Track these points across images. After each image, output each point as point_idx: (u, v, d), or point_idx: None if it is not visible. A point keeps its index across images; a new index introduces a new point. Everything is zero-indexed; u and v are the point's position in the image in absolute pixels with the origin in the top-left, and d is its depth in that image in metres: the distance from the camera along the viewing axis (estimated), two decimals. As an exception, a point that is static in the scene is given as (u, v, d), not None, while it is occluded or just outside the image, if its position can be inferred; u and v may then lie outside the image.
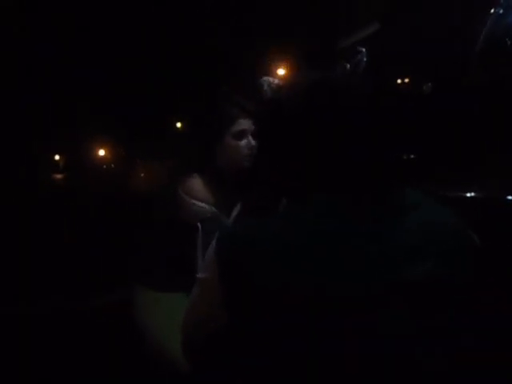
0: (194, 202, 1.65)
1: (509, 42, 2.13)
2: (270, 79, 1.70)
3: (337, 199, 0.85)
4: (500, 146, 1.92)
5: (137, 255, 1.90)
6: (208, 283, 0.88)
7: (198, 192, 1.66)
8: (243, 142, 1.67)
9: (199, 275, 0.91)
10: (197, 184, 1.68)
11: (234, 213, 1.68)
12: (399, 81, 2.68)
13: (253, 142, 1.66)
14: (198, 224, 1.62)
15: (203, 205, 1.65)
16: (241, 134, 1.67)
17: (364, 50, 2.46)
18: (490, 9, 2.23)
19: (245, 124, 1.67)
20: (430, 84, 2.34)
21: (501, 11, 2.21)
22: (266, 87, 1.68)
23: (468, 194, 1.82)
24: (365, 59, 2.41)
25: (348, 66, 2.42)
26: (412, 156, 2.14)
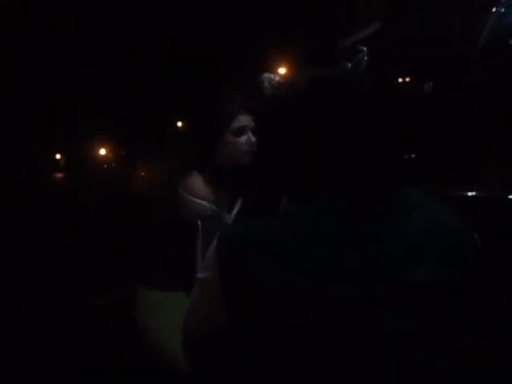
0: (194, 199, 1.65)
1: (510, 42, 2.13)
2: (271, 76, 1.70)
3: (337, 199, 0.85)
4: (500, 145, 1.92)
5: (137, 255, 1.90)
6: (208, 283, 0.88)
7: (198, 190, 1.66)
8: (243, 139, 1.67)
9: (199, 275, 0.90)
10: (197, 182, 1.67)
11: (235, 211, 1.68)
12: (400, 80, 2.68)
13: (253, 139, 1.66)
14: (198, 222, 1.62)
15: (203, 203, 1.65)
16: (240, 131, 1.67)
17: (365, 49, 2.46)
18: (491, 8, 2.23)
19: (244, 120, 1.68)
20: (431, 83, 2.34)
21: (502, 10, 2.21)
22: (266, 84, 1.68)
23: (468, 194, 1.82)
24: (366, 58, 2.41)
25: (349, 65, 2.42)
26: (412, 156, 2.14)
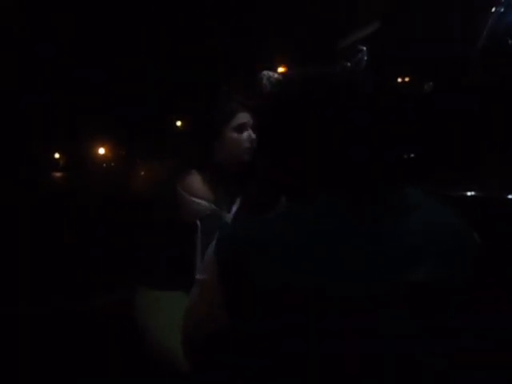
0: (193, 199, 1.65)
1: (510, 42, 2.13)
2: (270, 73, 1.70)
3: (337, 199, 0.85)
4: (500, 145, 1.92)
5: (137, 255, 1.90)
6: (208, 284, 0.88)
7: (197, 190, 1.66)
8: (244, 135, 1.67)
9: (199, 276, 0.90)
10: (196, 181, 1.67)
11: (234, 210, 1.68)
12: (400, 80, 2.68)
13: (253, 136, 1.66)
14: (198, 222, 1.62)
15: (203, 202, 1.65)
16: (241, 128, 1.68)
17: (365, 48, 2.46)
18: (491, 8, 2.23)
19: (244, 117, 1.68)
20: (431, 83, 2.34)
21: (502, 10, 2.21)
22: (265, 81, 1.68)
23: (468, 194, 1.82)
24: (365, 58, 2.41)
25: (348, 64, 2.42)
26: (412, 156, 2.14)
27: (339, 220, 0.83)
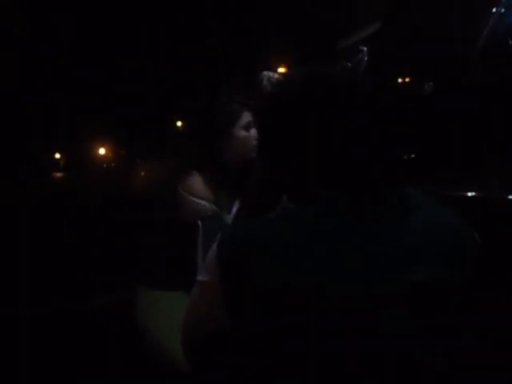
0: (194, 200, 1.65)
1: (510, 42, 2.13)
2: (270, 73, 1.70)
3: (337, 199, 0.85)
4: (500, 145, 1.92)
5: (137, 255, 1.90)
6: (209, 284, 0.88)
7: (198, 190, 1.66)
8: (252, 133, 1.69)
9: (200, 277, 0.90)
10: (197, 182, 1.68)
11: (234, 210, 1.68)
12: (400, 80, 2.68)
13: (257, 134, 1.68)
14: (199, 222, 1.62)
15: (204, 203, 1.65)
16: (248, 126, 1.70)
17: (365, 49, 2.46)
18: (491, 8, 2.23)
19: (249, 116, 1.71)
20: (431, 83, 2.34)
21: (502, 10, 2.21)
22: (265, 81, 1.69)
23: (468, 194, 1.82)
24: (366, 58, 2.41)
25: (349, 64, 2.42)
26: (412, 156, 2.14)
27: (339, 220, 0.83)
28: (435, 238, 0.85)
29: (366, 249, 0.81)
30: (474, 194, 1.81)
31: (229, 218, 1.67)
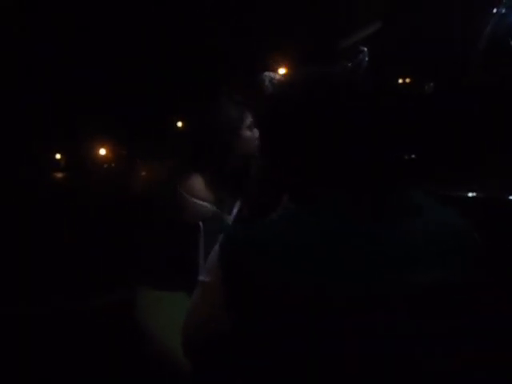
0: (195, 201, 1.65)
1: (511, 42, 2.13)
2: (272, 74, 1.71)
3: (337, 199, 0.85)
4: (500, 145, 1.92)
5: (137, 255, 1.90)
6: (211, 285, 0.88)
7: (199, 191, 1.67)
8: (255, 132, 1.70)
9: (202, 278, 0.90)
10: (197, 183, 1.68)
11: (235, 211, 1.68)
12: (400, 80, 2.68)
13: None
14: (200, 223, 1.62)
15: (205, 204, 1.65)
16: (251, 125, 1.71)
17: (366, 49, 2.46)
18: (491, 9, 2.23)
19: (250, 115, 1.71)
20: (431, 84, 2.34)
21: (503, 11, 2.21)
22: (267, 82, 1.69)
23: (468, 194, 1.82)
24: (367, 58, 2.41)
25: (350, 64, 2.42)
26: (412, 156, 2.14)
27: (339, 220, 0.83)
28: (435, 238, 0.85)
29: (365, 249, 0.81)
30: (474, 194, 1.81)
31: (230, 219, 1.67)
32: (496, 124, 1.98)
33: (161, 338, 1.63)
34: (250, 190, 1.56)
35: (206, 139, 1.72)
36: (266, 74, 1.71)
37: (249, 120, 1.72)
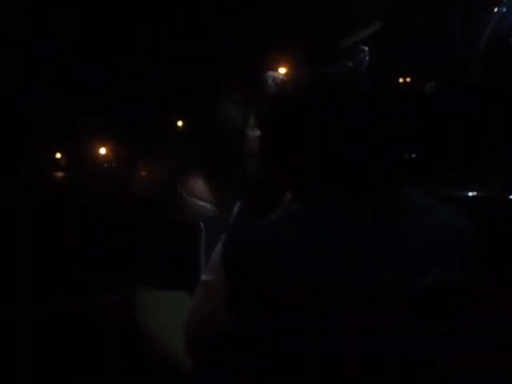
0: (196, 202, 1.65)
1: (512, 41, 2.13)
2: (275, 74, 1.70)
3: (337, 199, 0.85)
4: (500, 145, 1.92)
5: (137, 255, 1.90)
6: (213, 284, 0.88)
7: (199, 192, 1.67)
8: (256, 132, 1.70)
9: (204, 277, 0.91)
10: (198, 184, 1.68)
11: (235, 211, 1.68)
12: (401, 80, 2.68)
13: None
14: (201, 224, 1.62)
15: (206, 205, 1.65)
16: (254, 126, 1.70)
17: (366, 48, 2.46)
18: (491, 8, 2.23)
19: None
20: (432, 83, 2.34)
21: (504, 10, 2.21)
22: (270, 82, 1.69)
23: (468, 194, 1.82)
24: (367, 58, 2.41)
25: (350, 64, 2.42)
26: (413, 156, 2.14)
27: (339, 220, 0.83)
28: (435, 238, 0.85)
29: (365, 249, 0.81)
30: (474, 194, 1.81)
31: (230, 219, 1.67)
32: (496, 124, 1.98)
33: (161, 337, 1.63)
34: (250, 190, 1.56)
35: (206, 139, 1.72)
36: (270, 73, 1.71)
37: (252, 120, 1.71)
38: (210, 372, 1.02)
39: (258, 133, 1.69)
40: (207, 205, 1.65)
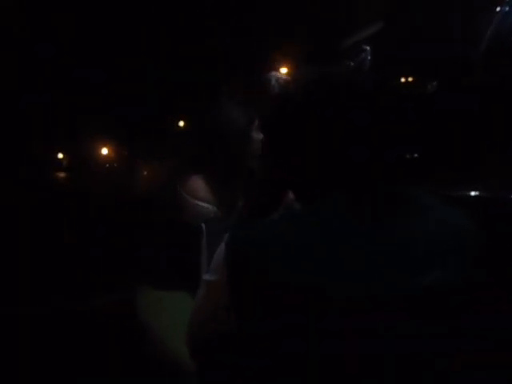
0: (197, 203, 1.65)
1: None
2: (278, 74, 1.70)
3: (337, 199, 0.85)
4: (500, 145, 1.92)
5: (137, 255, 1.90)
6: (215, 284, 0.88)
7: (200, 193, 1.67)
8: (260, 134, 1.70)
9: (207, 277, 0.91)
10: (198, 185, 1.68)
11: (236, 212, 1.68)
12: (403, 79, 2.68)
13: None
14: (202, 225, 1.62)
15: (206, 205, 1.65)
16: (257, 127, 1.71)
17: (368, 48, 2.46)
18: (492, 8, 2.23)
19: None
20: (434, 83, 2.34)
21: (507, 9, 2.21)
22: (273, 82, 1.68)
23: (468, 194, 1.82)
24: (369, 57, 2.41)
25: (352, 64, 2.42)
26: (415, 156, 2.14)
27: (339, 220, 0.83)
28: (435, 238, 0.85)
29: (366, 249, 0.81)
30: (474, 193, 1.81)
31: (231, 220, 1.67)
32: (496, 124, 1.98)
33: (161, 337, 1.63)
34: (251, 190, 1.56)
35: (206, 139, 1.72)
36: (273, 73, 1.70)
37: (256, 122, 1.71)
38: (209, 372, 1.02)
39: (258, 135, 1.70)
40: (208, 206, 1.65)
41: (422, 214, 0.87)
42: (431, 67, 2.43)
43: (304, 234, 0.82)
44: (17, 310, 3.29)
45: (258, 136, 1.70)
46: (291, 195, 1.00)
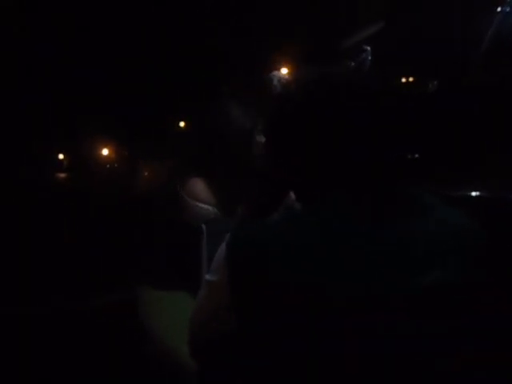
0: (197, 204, 1.65)
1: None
2: (280, 74, 1.70)
3: (337, 199, 0.85)
4: (500, 145, 1.92)
5: (137, 255, 1.90)
6: (217, 284, 0.88)
7: (200, 194, 1.67)
8: (262, 137, 1.69)
9: (208, 277, 0.91)
10: (199, 185, 1.68)
11: (236, 212, 1.68)
12: (404, 79, 2.68)
13: None
14: (203, 225, 1.62)
15: (207, 207, 1.65)
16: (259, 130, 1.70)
17: (369, 48, 2.46)
18: (492, 8, 2.23)
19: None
20: (435, 82, 2.34)
21: (508, 10, 2.21)
22: (275, 82, 1.68)
23: (468, 194, 1.82)
24: (370, 57, 2.41)
25: (352, 64, 2.42)
26: (416, 156, 2.14)
27: (339, 220, 0.83)
28: (435, 238, 0.85)
29: (366, 249, 0.81)
30: (474, 193, 1.81)
31: (231, 220, 1.67)
32: (496, 124, 1.98)
33: (161, 337, 1.63)
34: (251, 190, 1.56)
35: (206, 140, 1.71)
36: (275, 73, 1.70)
37: (259, 124, 1.70)
38: (210, 372, 1.02)
39: (259, 137, 1.70)
40: (208, 207, 1.65)
41: (422, 213, 0.87)
42: (431, 67, 2.43)
43: (304, 234, 0.82)
44: (17, 310, 3.29)
45: (260, 138, 1.69)
46: (291, 195, 1.00)
